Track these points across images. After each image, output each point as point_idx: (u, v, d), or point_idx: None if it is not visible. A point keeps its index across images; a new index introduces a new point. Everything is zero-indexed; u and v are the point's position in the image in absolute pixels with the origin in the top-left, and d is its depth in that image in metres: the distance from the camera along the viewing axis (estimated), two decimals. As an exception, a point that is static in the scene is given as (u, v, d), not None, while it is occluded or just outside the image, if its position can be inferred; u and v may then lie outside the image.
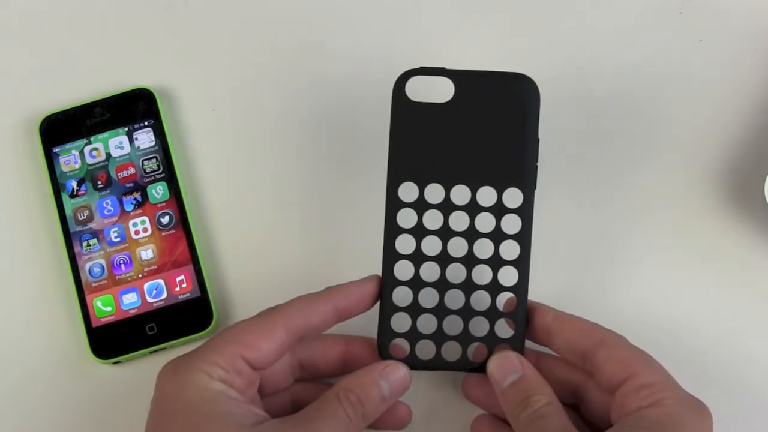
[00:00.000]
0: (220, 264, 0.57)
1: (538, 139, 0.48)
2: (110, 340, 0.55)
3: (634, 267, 0.56)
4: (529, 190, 0.48)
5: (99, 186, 0.57)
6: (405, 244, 0.48)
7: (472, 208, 0.48)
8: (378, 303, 0.49)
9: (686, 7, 0.61)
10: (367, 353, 0.50)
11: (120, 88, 0.59)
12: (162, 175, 0.57)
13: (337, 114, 0.59)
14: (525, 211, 0.48)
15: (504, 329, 0.49)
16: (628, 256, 0.56)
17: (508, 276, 0.48)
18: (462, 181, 0.48)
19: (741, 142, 0.58)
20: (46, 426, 0.54)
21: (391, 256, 0.48)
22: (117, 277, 0.56)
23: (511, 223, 0.48)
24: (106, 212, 0.57)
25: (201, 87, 0.60)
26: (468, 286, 0.48)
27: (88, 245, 0.56)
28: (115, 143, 0.58)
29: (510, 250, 0.48)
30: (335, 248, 0.57)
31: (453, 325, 0.49)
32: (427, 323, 0.49)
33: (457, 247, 0.49)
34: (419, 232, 0.48)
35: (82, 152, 0.58)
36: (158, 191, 0.57)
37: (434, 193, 0.48)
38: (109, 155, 0.58)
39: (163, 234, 0.56)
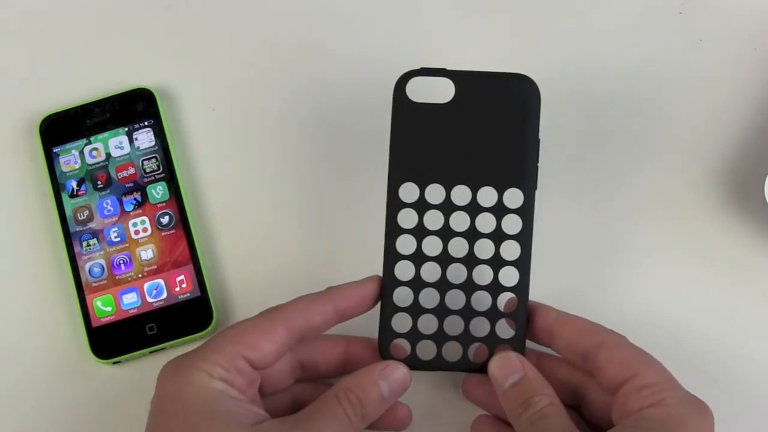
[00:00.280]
0: (220, 264, 0.57)
1: (538, 140, 0.48)
2: (110, 340, 0.55)
3: (634, 267, 0.56)
4: (529, 190, 0.48)
5: (99, 186, 0.57)
6: (406, 244, 0.48)
7: (473, 209, 0.48)
8: (379, 303, 0.49)
9: (686, 7, 0.61)
10: (367, 354, 0.50)
11: (120, 88, 0.59)
12: (162, 175, 0.57)
13: (337, 114, 0.59)
14: (526, 212, 0.48)
15: (505, 329, 0.48)
16: (628, 256, 0.56)
17: (509, 276, 0.48)
18: (462, 182, 0.48)
19: (741, 142, 0.58)
20: (46, 426, 0.54)
21: (391, 256, 0.48)
22: (117, 277, 0.56)
23: (512, 224, 0.48)
24: (106, 212, 0.57)
25: (201, 87, 0.60)
26: (469, 287, 0.48)
27: (88, 245, 0.56)
28: (115, 143, 0.58)
29: (511, 250, 0.48)
30: (335, 248, 0.57)
31: (454, 325, 0.49)
32: (427, 323, 0.49)
33: (458, 247, 0.49)
34: (420, 232, 0.48)
35: (82, 152, 0.58)
36: (158, 191, 0.57)
37: (435, 193, 0.48)
38: (109, 155, 0.58)
39: (163, 234, 0.56)
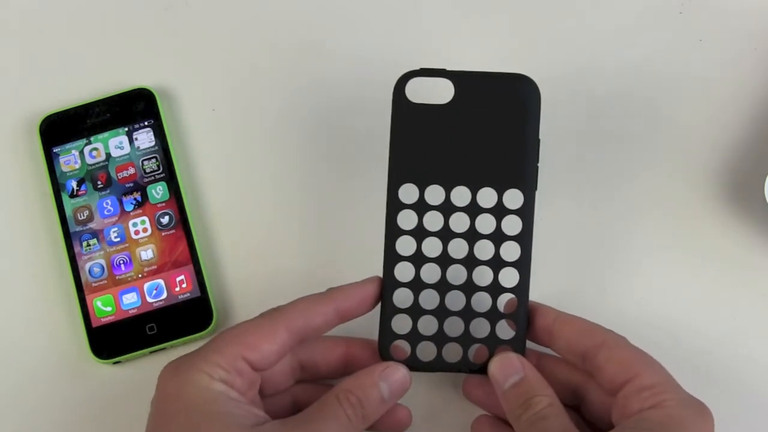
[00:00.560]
0: (220, 264, 0.57)
1: (538, 140, 0.48)
2: (110, 340, 0.55)
3: (634, 267, 0.56)
4: (529, 191, 0.48)
5: (99, 186, 0.57)
6: (406, 245, 0.48)
7: (473, 210, 0.48)
8: (379, 304, 0.49)
9: (686, 7, 0.61)
10: (367, 355, 0.50)
11: (120, 88, 0.59)
12: (162, 175, 0.57)
13: (338, 114, 0.59)
14: (526, 212, 0.48)
15: (505, 330, 0.48)
16: (628, 256, 0.56)
17: (509, 277, 0.48)
18: (462, 183, 0.48)
19: (741, 142, 0.58)
20: (46, 426, 0.54)
21: (391, 257, 0.48)
22: (117, 277, 0.56)
23: (512, 224, 0.48)
24: (106, 212, 0.57)
25: (201, 87, 0.60)
26: (469, 288, 0.48)
27: (88, 245, 0.56)
28: (115, 143, 0.58)
29: (511, 251, 0.48)
30: (335, 248, 0.57)
31: (454, 326, 0.48)
32: (427, 325, 0.49)
33: (458, 248, 0.48)
34: (420, 233, 0.48)
35: (82, 152, 0.58)
36: (158, 191, 0.57)
37: (435, 194, 0.48)
38: (109, 155, 0.58)
39: (163, 234, 0.56)
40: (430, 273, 0.48)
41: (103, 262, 0.56)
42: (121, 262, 0.56)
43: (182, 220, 0.56)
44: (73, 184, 0.57)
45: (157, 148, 0.58)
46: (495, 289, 0.48)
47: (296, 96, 0.60)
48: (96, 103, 0.58)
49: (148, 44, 0.61)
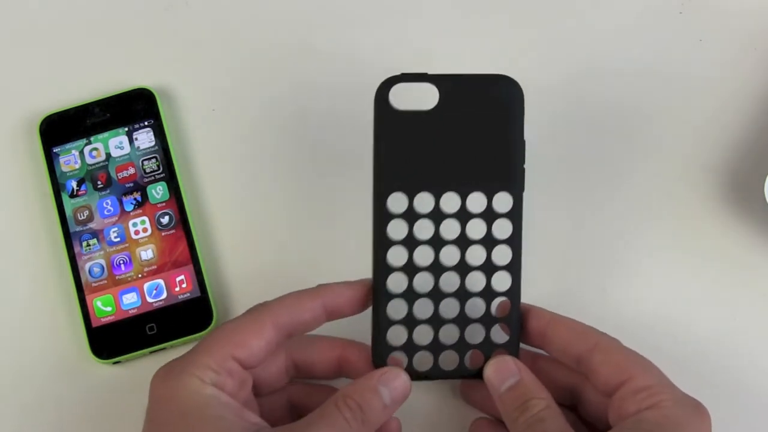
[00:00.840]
0: (220, 264, 0.57)
1: (524, 141, 0.47)
2: (110, 340, 0.55)
3: (633, 267, 0.56)
4: (517, 192, 0.47)
5: (99, 186, 0.57)
6: (397, 256, 0.47)
7: (463, 215, 0.47)
8: (370, 308, 0.48)
9: (686, 7, 0.61)
10: (363, 358, 0.49)
11: (120, 88, 0.59)
12: (162, 175, 0.57)
13: (338, 114, 0.59)
14: (515, 215, 0.47)
15: (499, 335, 0.48)
16: (627, 255, 0.56)
17: (502, 281, 0.48)
18: (451, 188, 0.47)
19: (741, 142, 0.58)
20: (45, 426, 0.54)
21: (383, 269, 0.47)
22: (117, 277, 0.56)
23: (502, 228, 0.47)
24: (106, 212, 0.57)
25: (201, 87, 0.60)
26: (462, 294, 0.48)
27: (88, 245, 0.56)
28: (115, 143, 0.58)
29: (502, 254, 0.48)
30: (336, 248, 0.57)
31: (449, 333, 0.48)
32: (423, 334, 0.48)
33: (450, 255, 0.48)
34: (411, 242, 0.47)
35: (82, 152, 0.58)
36: (158, 191, 0.57)
37: (424, 202, 0.47)
38: (109, 155, 0.58)
39: (163, 234, 0.56)
40: (423, 282, 0.48)
41: (103, 262, 0.56)
42: (121, 262, 0.56)
43: (182, 220, 0.56)
44: (73, 184, 0.57)
45: (157, 148, 0.58)
46: (488, 293, 0.48)
47: (296, 96, 0.60)
48: (96, 103, 0.58)
49: (148, 44, 0.61)
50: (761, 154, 0.57)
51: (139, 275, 0.56)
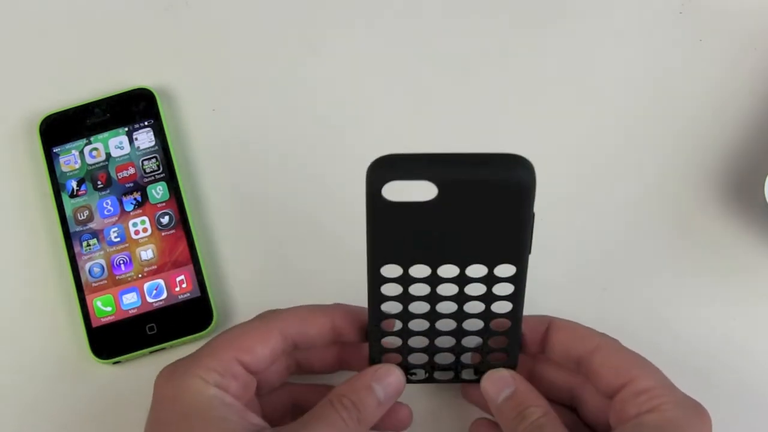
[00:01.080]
0: (220, 264, 0.57)
1: (533, 214, 0.41)
2: (110, 340, 0.55)
3: (633, 267, 0.56)
4: (523, 262, 0.43)
5: (99, 186, 0.57)
6: (391, 307, 0.45)
7: (461, 280, 0.44)
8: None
9: (686, 7, 0.61)
10: (362, 357, 0.49)
11: (120, 88, 0.59)
12: (162, 175, 0.57)
13: (337, 113, 0.59)
14: (519, 278, 0.44)
15: (498, 356, 0.48)
16: (627, 256, 0.56)
17: (502, 307, 0.46)
18: (450, 262, 0.43)
19: (741, 142, 0.58)
20: (46, 426, 0.54)
21: (376, 317, 0.46)
22: (117, 277, 0.56)
23: (504, 289, 0.44)
24: (106, 212, 0.57)
25: (201, 87, 0.60)
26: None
27: (88, 245, 0.56)
28: (115, 143, 0.58)
29: (502, 306, 0.45)
30: (336, 248, 0.57)
31: (446, 359, 0.48)
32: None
33: (447, 307, 0.46)
34: (406, 299, 0.45)
35: (82, 152, 0.58)
36: (158, 191, 0.57)
37: (420, 270, 0.43)
38: (109, 155, 0.58)
39: (163, 234, 0.56)
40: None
41: (103, 262, 0.56)
42: (121, 262, 0.56)
43: (182, 220, 0.56)
44: (73, 184, 0.57)
45: (157, 148, 0.58)
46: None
47: (296, 95, 0.60)
48: (96, 103, 0.58)
49: (148, 44, 0.61)
50: (761, 154, 0.57)
51: (139, 275, 0.56)
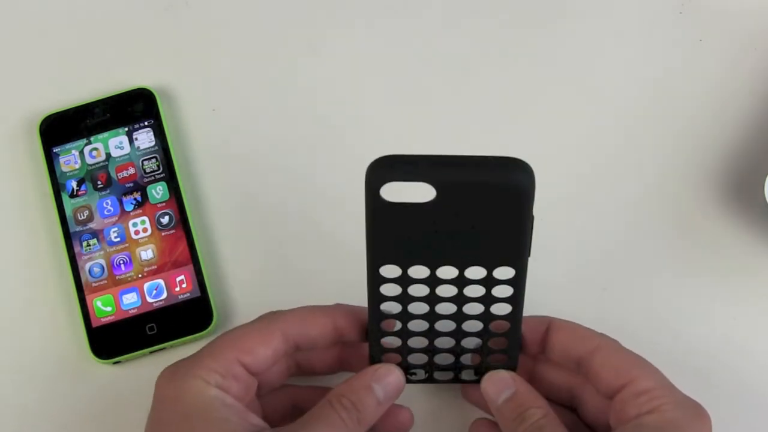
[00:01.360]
0: (220, 264, 0.57)
1: (533, 217, 0.41)
2: (110, 340, 0.55)
3: (633, 267, 0.56)
4: (523, 264, 0.43)
5: (99, 186, 0.57)
6: (391, 307, 0.45)
7: (460, 282, 0.44)
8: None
9: (686, 7, 0.61)
10: (363, 358, 0.49)
11: (120, 88, 0.59)
12: (162, 175, 0.57)
13: (337, 113, 0.59)
14: (518, 281, 0.44)
15: (497, 357, 0.48)
16: (627, 256, 0.56)
17: (502, 309, 0.46)
18: (449, 264, 0.43)
19: (741, 142, 0.58)
20: (46, 426, 0.54)
21: (376, 320, 0.46)
22: (117, 277, 0.56)
23: (503, 291, 0.44)
24: (106, 212, 0.57)
25: (201, 87, 0.60)
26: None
27: (88, 245, 0.56)
28: (115, 143, 0.58)
29: (501, 308, 0.45)
30: (336, 248, 0.57)
31: (446, 360, 0.48)
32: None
33: (446, 308, 0.46)
34: (405, 299, 0.45)
35: (82, 152, 0.58)
36: (158, 191, 0.57)
37: (419, 271, 0.43)
38: (109, 155, 0.58)
39: (163, 234, 0.56)
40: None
41: (103, 262, 0.56)
42: (121, 262, 0.56)
43: (182, 220, 0.56)
44: (73, 184, 0.57)
45: (157, 148, 0.58)
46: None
47: (296, 95, 0.60)
48: (96, 103, 0.58)
49: (148, 44, 0.61)
50: (761, 154, 0.57)
51: (139, 275, 0.56)
